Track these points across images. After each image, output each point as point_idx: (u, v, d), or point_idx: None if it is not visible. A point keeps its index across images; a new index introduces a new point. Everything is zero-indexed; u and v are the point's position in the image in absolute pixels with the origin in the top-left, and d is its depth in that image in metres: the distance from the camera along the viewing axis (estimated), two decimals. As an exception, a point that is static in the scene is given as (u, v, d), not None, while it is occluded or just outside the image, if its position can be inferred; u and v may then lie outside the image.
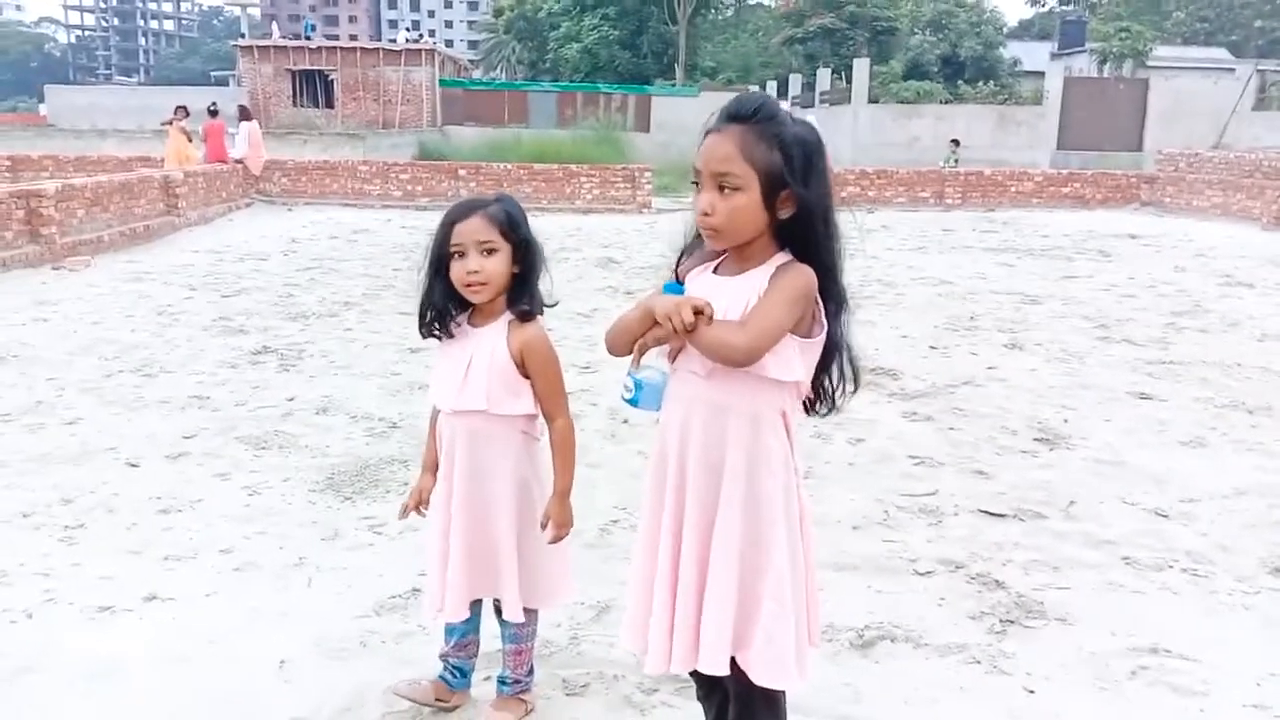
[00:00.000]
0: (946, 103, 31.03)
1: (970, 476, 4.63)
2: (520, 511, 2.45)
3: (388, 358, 6.70)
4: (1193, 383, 6.29)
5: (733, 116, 1.94)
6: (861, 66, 28.00)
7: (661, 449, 2.07)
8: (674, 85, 40.47)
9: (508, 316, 2.41)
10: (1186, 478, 4.61)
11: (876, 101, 29.04)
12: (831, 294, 1.97)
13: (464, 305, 2.43)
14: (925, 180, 18.14)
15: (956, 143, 22.18)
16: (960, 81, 37.64)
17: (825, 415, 2.12)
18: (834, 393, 2.08)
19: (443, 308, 2.42)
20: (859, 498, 4.33)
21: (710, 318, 1.89)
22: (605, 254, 12.04)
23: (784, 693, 2.10)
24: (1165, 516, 4.15)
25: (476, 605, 2.60)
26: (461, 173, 17.45)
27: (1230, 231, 14.18)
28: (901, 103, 30.43)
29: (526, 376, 2.40)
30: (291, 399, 5.73)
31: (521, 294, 2.40)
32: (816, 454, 4.87)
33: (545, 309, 2.45)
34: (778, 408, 1.98)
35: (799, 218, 1.93)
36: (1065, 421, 5.46)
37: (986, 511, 4.18)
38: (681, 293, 2.02)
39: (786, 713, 2.15)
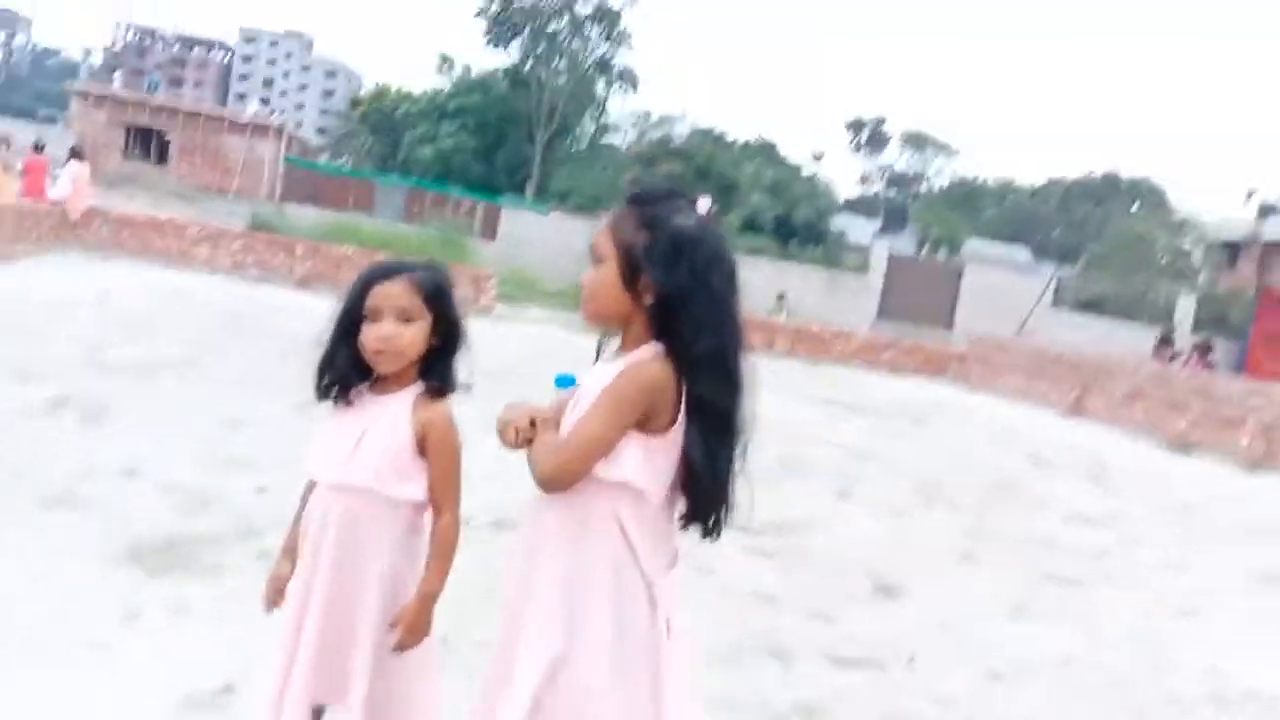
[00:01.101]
0: (777, 259, 32.65)
1: (814, 619, 4.58)
2: (387, 612, 2.16)
3: (205, 428, 6.18)
4: (1011, 552, 6.54)
5: (629, 198, 1.94)
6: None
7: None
8: (524, 200, 41.00)
9: (417, 389, 2.19)
10: (1016, 641, 4.71)
11: (716, 248, 30.20)
12: (702, 397, 1.86)
13: (368, 372, 2.20)
14: (759, 327, 18.79)
15: (783, 296, 23.27)
16: (791, 243, 39.80)
17: (710, 538, 1.98)
18: (708, 513, 1.95)
19: (345, 373, 2.18)
20: (708, 630, 4.18)
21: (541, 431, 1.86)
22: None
23: None
24: (999, 679, 4.20)
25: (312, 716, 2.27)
26: (299, 250, 16.82)
27: (1031, 414, 15.23)
28: (737, 253, 31.77)
29: (425, 458, 2.17)
30: (90, 456, 5.15)
31: (437, 368, 2.19)
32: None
33: (457, 390, 2.24)
34: (610, 511, 1.85)
35: (662, 305, 1.86)
36: (899, 574, 5.54)
37: (833, 656, 4.12)
38: (571, 384, 2.02)
39: None
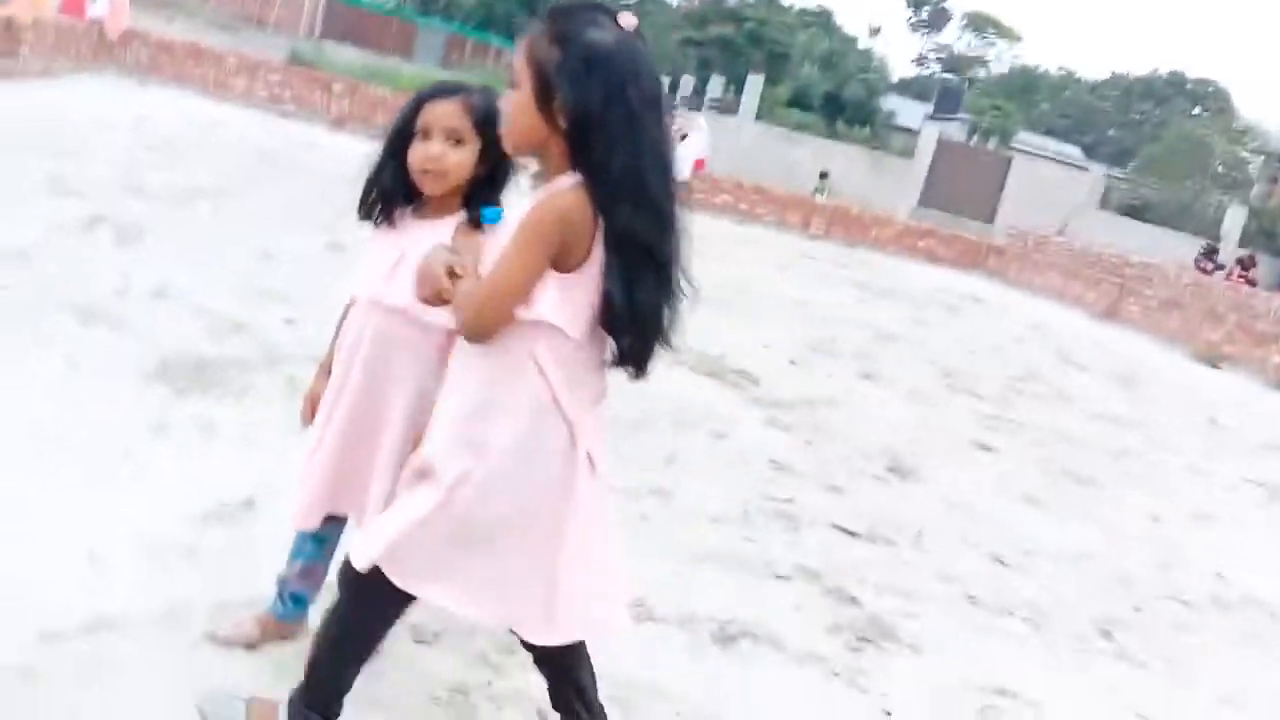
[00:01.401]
0: (825, 137, 31.90)
1: (826, 491, 4.63)
2: (409, 433, 2.17)
3: (238, 258, 6.19)
4: (1030, 444, 6.55)
5: (545, 14, 1.80)
6: (755, 83, 28.41)
7: None
8: (567, 57, 39.93)
9: (460, 218, 2.14)
10: (1025, 530, 4.76)
11: (761, 120, 29.52)
12: (618, 226, 1.73)
13: (413, 195, 2.15)
14: (796, 205, 18.49)
15: (825, 175, 22.77)
16: (839, 121, 38.78)
17: (636, 378, 1.90)
18: (636, 354, 1.84)
19: (390, 191, 2.13)
20: (717, 490, 4.25)
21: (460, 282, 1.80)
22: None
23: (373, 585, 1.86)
24: (1005, 565, 4.26)
25: (333, 528, 2.33)
26: (336, 87, 16.51)
27: (1065, 314, 15.06)
28: (784, 127, 31.09)
29: None
30: (126, 277, 5.19)
31: (481, 198, 2.14)
32: (675, 442, 4.78)
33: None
34: (527, 351, 1.78)
35: (576, 128, 1.72)
36: (914, 456, 5.57)
37: (841, 528, 4.18)
38: (498, 218, 1.91)
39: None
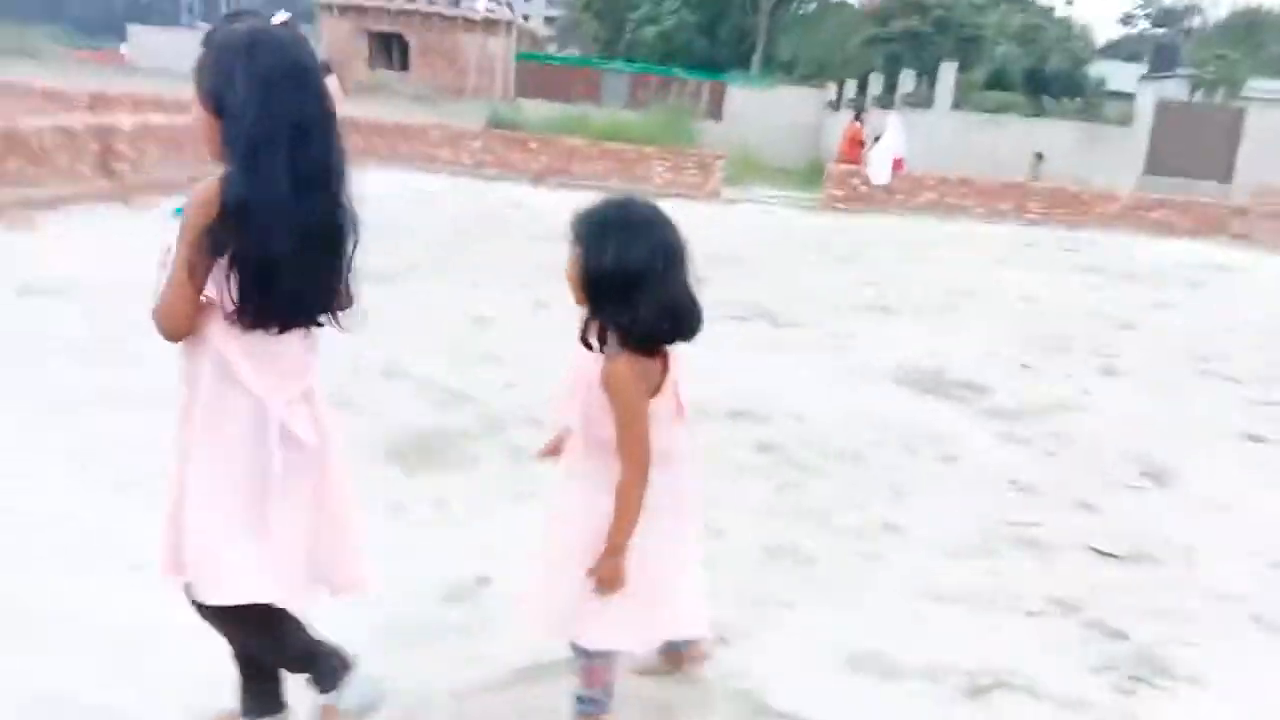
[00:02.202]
0: (1030, 116, 30.21)
1: (1075, 509, 4.29)
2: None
3: (457, 326, 6.47)
4: (1307, 429, 5.86)
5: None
6: (947, 71, 27.30)
7: None
8: (750, 75, 39.96)
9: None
10: (1314, 533, 4.24)
11: (958, 108, 28.33)
12: (231, 201, 1.79)
13: None
14: (1007, 192, 17.58)
15: (1040, 156, 21.53)
16: (1044, 96, 36.72)
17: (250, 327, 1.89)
18: (249, 303, 1.86)
19: None
20: (953, 521, 4.02)
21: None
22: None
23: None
24: (1294, 574, 3.79)
25: None
26: (533, 145, 17.20)
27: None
28: (984, 112, 29.72)
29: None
30: (356, 358, 5.52)
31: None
32: (906, 468, 4.57)
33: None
34: (204, 331, 1.88)
35: (215, 116, 1.84)
36: (1172, 457, 5.09)
37: (1097, 550, 3.85)
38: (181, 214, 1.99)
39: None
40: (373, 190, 10.00)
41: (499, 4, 41.01)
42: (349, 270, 2.03)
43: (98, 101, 18.00)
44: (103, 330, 5.55)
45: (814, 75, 43.59)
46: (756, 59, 43.95)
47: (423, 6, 38.51)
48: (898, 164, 17.32)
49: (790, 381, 5.86)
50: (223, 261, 1.83)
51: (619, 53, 48.15)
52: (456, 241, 9.96)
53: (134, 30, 43.24)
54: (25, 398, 4.37)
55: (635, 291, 1.99)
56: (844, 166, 17.47)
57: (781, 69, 45.16)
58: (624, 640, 2.22)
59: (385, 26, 37.11)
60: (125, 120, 11.16)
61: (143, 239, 8.37)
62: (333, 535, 2.09)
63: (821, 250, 11.82)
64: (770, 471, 4.36)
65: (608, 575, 2.11)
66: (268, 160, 1.81)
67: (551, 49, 51.72)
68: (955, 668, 2.84)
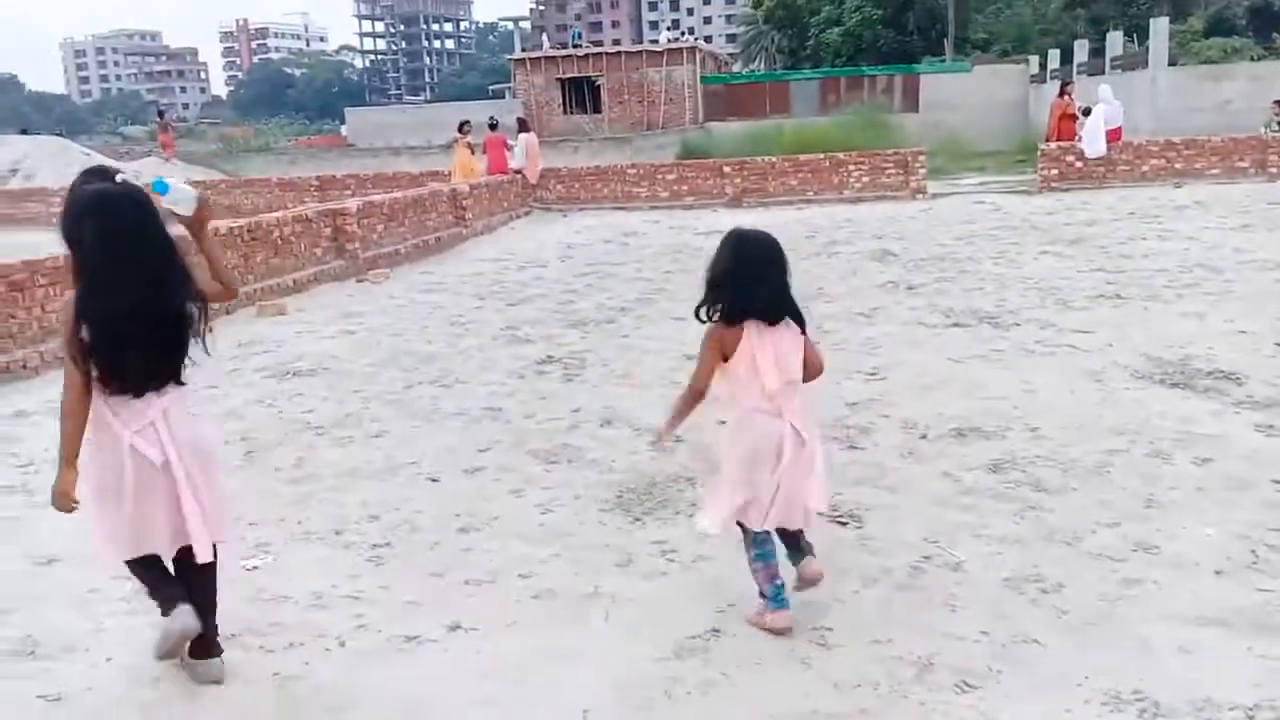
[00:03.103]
0: (1260, 59, 27.56)
1: (1362, 508, 3.85)
2: None
3: (665, 365, 6.58)
4: None
5: None
6: (1159, 26, 25.34)
7: None
8: (943, 61, 38.58)
9: None
10: None
11: (1175, 64, 26.24)
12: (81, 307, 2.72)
13: None
14: (1243, 148, 16.07)
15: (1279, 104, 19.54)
16: (1276, 35, 33.35)
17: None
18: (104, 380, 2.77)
19: None
20: (1217, 534, 3.70)
21: None
22: (880, 245, 11.43)
23: None
24: None
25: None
26: (726, 169, 17.29)
27: None
28: (1206, 63, 27.36)
29: None
30: (576, 410, 5.72)
31: None
32: (1157, 476, 4.24)
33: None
34: (94, 394, 2.80)
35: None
36: None
37: (1393, 555, 3.44)
38: (162, 189, 2.79)
39: None
40: (576, 236, 10.49)
41: (681, 32, 41.60)
42: (189, 347, 2.82)
43: (326, 184, 19.63)
44: (348, 407, 6.00)
45: (1013, 51, 41.56)
46: (949, 43, 42.36)
47: (608, 47, 39.65)
48: (1114, 134, 16.23)
49: (1019, 390, 5.58)
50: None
51: (805, 60, 47.67)
52: (659, 278, 10.14)
53: (351, 112, 46.83)
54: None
55: (721, 288, 3.13)
56: (1057, 144, 16.55)
57: (977, 48, 43.31)
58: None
59: (575, 72, 38.46)
60: (351, 202, 12.07)
61: (375, 316, 8.95)
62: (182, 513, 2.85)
63: (1041, 237, 11.23)
64: (1006, 494, 4.17)
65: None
66: (103, 287, 2.66)
67: (736, 67, 51.86)
68: (1231, 703, 2.61)
